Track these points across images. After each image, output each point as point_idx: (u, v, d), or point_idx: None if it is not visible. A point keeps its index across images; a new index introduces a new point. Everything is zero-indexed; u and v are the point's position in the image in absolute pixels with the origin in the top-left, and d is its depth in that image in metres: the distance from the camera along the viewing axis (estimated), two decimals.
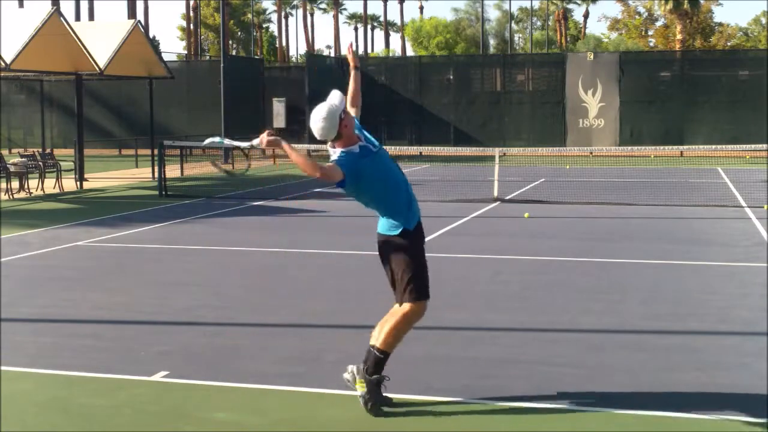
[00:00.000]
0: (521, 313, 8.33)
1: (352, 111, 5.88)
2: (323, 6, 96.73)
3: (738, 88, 34.64)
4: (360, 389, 5.59)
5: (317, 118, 5.49)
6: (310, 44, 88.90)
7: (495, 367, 6.55)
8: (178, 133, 36.15)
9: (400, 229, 5.59)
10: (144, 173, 26.21)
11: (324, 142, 5.65)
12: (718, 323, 7.96)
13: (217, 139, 5.96)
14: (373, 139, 5.76)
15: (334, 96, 5.66)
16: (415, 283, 5.56)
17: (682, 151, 31.32)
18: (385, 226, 5.67)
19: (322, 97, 5.85)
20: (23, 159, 21.47)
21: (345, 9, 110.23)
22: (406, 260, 5.58)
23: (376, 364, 5.58)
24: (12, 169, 20.32)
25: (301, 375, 6.35)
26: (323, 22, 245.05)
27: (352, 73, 6.02)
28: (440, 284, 9.75)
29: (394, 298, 5.72)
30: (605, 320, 8.04)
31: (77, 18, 31.97)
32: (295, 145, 5.22)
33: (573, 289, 9.42)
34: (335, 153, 5.57)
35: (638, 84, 35.21)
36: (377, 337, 5.64)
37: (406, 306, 5.58)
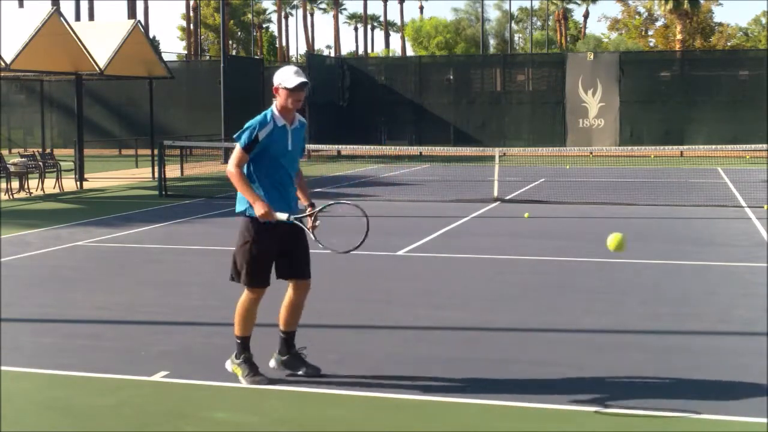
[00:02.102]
0: (521, 313, 8.33)
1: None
2: (323, 6, 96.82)
3: (738, 88, 34.66)
4: (238, 373, 6.10)
5: (294, 68, 6.08)
6: (310, 44, 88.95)
7: (495, 367, 6.55)
8: (178, 133, 36.16)
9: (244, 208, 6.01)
10: (144, 173, 26.22)
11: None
12: (718, 323, 7.96)
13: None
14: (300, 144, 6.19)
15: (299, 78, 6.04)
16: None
17: (682, 151, 31.33)
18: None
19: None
20: (23, 159, 21.47)
21: (345, 9, 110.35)
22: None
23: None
24: (12, 169, 20.32)
25: (301, 375, 6.35)
26: (323, 22, 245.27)
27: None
28: (440, 284, 9.77)
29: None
30: (605, 320, 8.04)
31: (77, 18, 31.94)
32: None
33: (573, 289, 9.42)
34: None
35: (638, 84, 35.22)
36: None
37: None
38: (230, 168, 5.97)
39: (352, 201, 6.13)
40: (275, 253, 6.03)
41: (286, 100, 5.95)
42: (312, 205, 6.13)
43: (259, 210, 5.83)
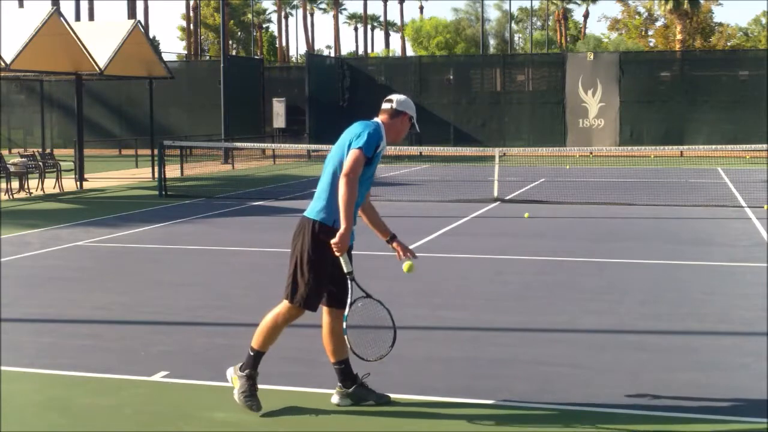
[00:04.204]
0: (521, 313, 8.33)
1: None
2: (323, 6, 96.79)
3: (738, 88, 34.64)
4: (235, 385, 5.65)
5: (408, 97, 5.77)
6: (310, 44, 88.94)
7: (495, 367, 6.55)
8: (178, 133, 36.16)
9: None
10: (144, 173, 26.21)
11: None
12: (718, 323, 7.96)
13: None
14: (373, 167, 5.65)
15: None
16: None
17: (682, 151, 31.32)
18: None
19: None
20: (23, 159, 21.46)
21: (345, 9, 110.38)
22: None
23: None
24: (12, 169, 20.32)
25: (301, 375, 6.35)
26: (323, 22, 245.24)
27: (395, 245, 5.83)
28: (440, 284, 9.77)
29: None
30: (605, 320, 8.04)
31: (77, 18, 31.95)
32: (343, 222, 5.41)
33: (573, 289, 9.42)
34: (373, 125, 5.58)
35: (638, 84, 35.21)
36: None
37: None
38: (350, 173, 5.29)
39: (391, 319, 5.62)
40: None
41: (404, 131, 5.68)
42: (395, 237, 5.77)
43: (343, 241, 5.30)
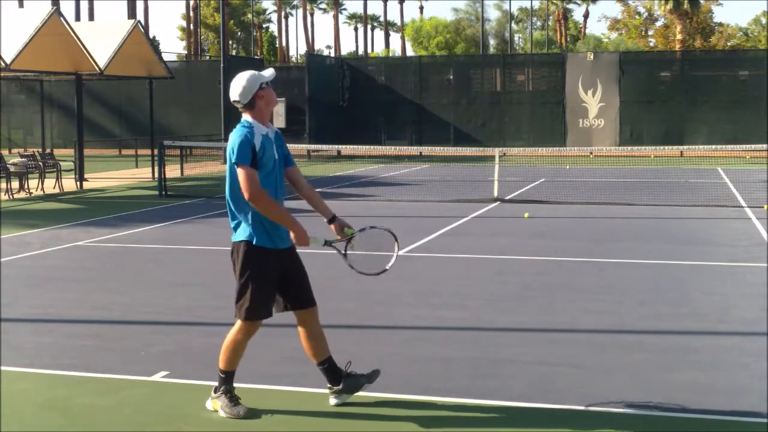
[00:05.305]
0: (521, 313, 8.33)
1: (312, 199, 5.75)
2: (323, 6, 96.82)
3: (738, 88, 34.63)
4: (216, 407, 5.63)
5: (240, 79, 5.48)
6: (310, 44, 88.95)
7: (495, 367, 6.55)
8: (178, 133, 36.16)
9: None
10: (144, 173, 26.22)
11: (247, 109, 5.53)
12: (718, 323, 7.96)
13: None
14: (286, 154, 5.65)
15: (267, 70, 5.61)
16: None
17: (682, 151, 31.33)
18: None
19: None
20: (23, 159, 21.47)
21: (345, 9, 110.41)
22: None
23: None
24: (12, 169, 20.33)
25: (301, 375, 6.35)
26: (323, 22, 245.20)
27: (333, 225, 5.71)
28: (440, 284, 9.78)
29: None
30: (605, 320, 8.04)
31: (77, 18, 31.97)
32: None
33: (573, 290, 9.42)
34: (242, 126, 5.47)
35: (638, 84, 35.21)
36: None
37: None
38: (254, 193, 5.26)
39: (384, 228, 5.82)
40: (277, 283, 5.55)
41: (271, 98, 5.50)
42: (335, 218, 5.65)
43: (301, 237, 5.43)
